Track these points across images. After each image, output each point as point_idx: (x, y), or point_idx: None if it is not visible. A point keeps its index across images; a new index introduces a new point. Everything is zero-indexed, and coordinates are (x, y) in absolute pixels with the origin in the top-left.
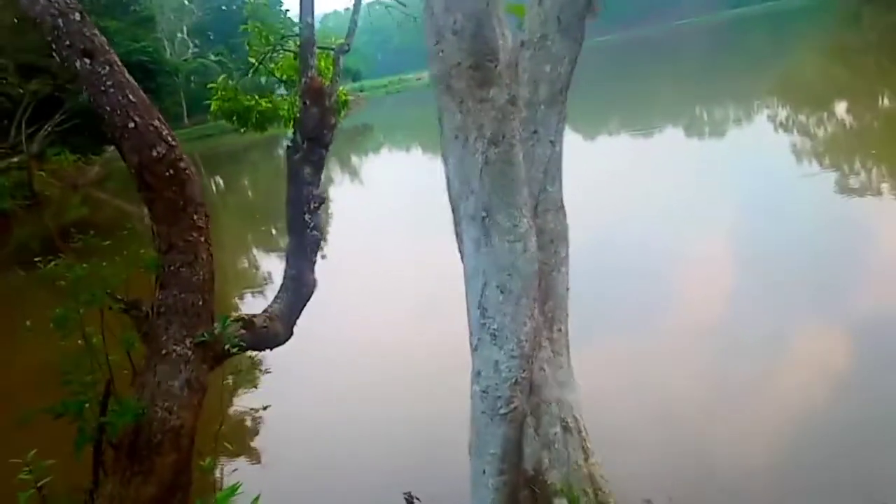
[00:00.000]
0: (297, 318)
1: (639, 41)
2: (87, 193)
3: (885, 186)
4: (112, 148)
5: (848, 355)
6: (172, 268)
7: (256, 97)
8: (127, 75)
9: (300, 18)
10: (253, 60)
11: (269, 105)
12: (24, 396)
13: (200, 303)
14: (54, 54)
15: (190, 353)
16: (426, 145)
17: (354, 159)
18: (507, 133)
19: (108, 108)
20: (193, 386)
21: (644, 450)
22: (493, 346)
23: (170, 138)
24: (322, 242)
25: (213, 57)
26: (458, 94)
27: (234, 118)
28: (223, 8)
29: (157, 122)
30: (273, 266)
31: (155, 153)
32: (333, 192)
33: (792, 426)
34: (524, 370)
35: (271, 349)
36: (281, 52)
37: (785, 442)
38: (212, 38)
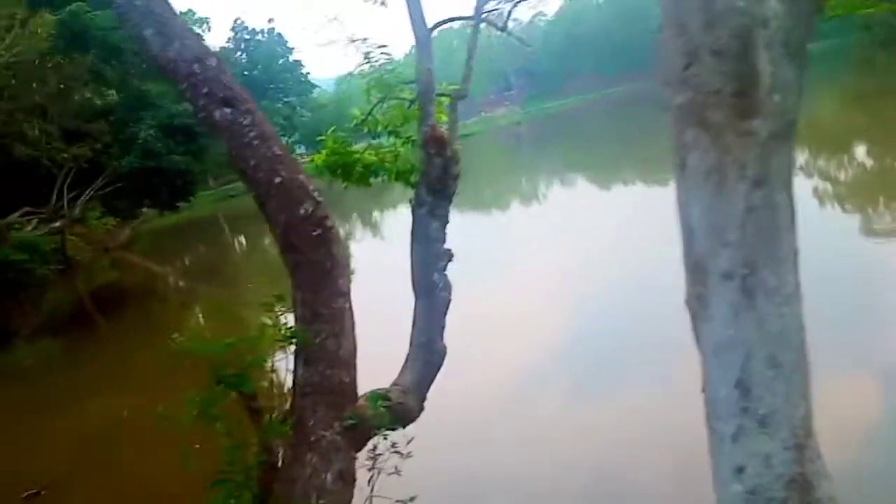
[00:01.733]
0: (428, 389)
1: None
2: (117, 256)
3: None
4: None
5: None
6: (318, 340)
7: (361, 150)
8: (268, 126)
9: (417, 64)
10: (357, 112)
11: (375, 157)
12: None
13: (347, 379)
14: (189, 103)
15: (339, 438)
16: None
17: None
18: (773, 172)
19: (253, 163)
20: (345, 477)
21: None
22: (762, 435)
23: (316, 194)
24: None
25: None
26: (715, 127)
27: (339, 171)
28: (245, 73)
29: (302, 177)
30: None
31: (302, 211)
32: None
33: None
34: (800, 463)
35: (404, 427)
36: (386, 104)
37: None
38: None
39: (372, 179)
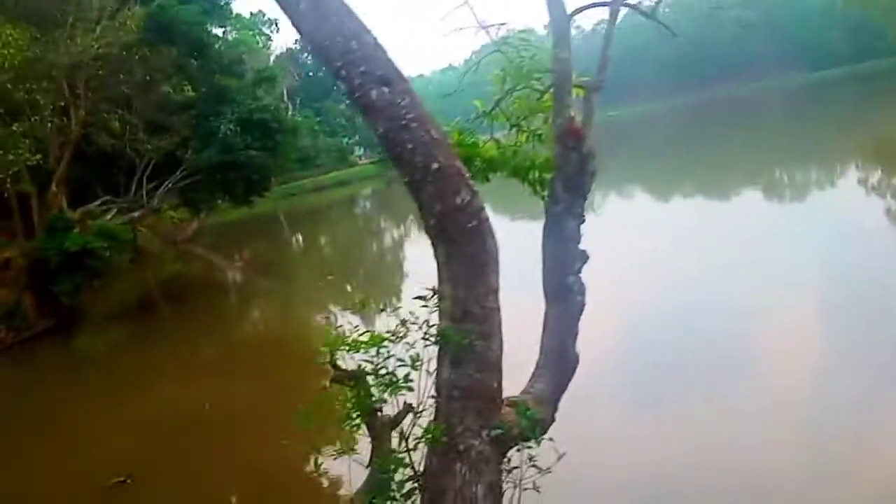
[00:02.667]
0: (560, 399)
1: (720, 102)
2: (184, 249)
3: None
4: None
5: None
6: (467, 341)
7: (482, 141)
8: (424, 108)
9: (553, 52)
10: (479, 104)
11: (498, 151)
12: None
13: (495, 385)
14: (340, 82)
15: (488, 448)
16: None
17: None
18: None
19: (410, 146)
20: (494, 490)
21: None
22: None
23: (472, 183)
24: None
25: (299, 118)
26: None
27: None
28: (310, 74)
29: (459, 164)
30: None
31: (459, 200)
32: None
33: None
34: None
35: (536, 438)
36: (512, 94)
37: None
38: (299, 102)
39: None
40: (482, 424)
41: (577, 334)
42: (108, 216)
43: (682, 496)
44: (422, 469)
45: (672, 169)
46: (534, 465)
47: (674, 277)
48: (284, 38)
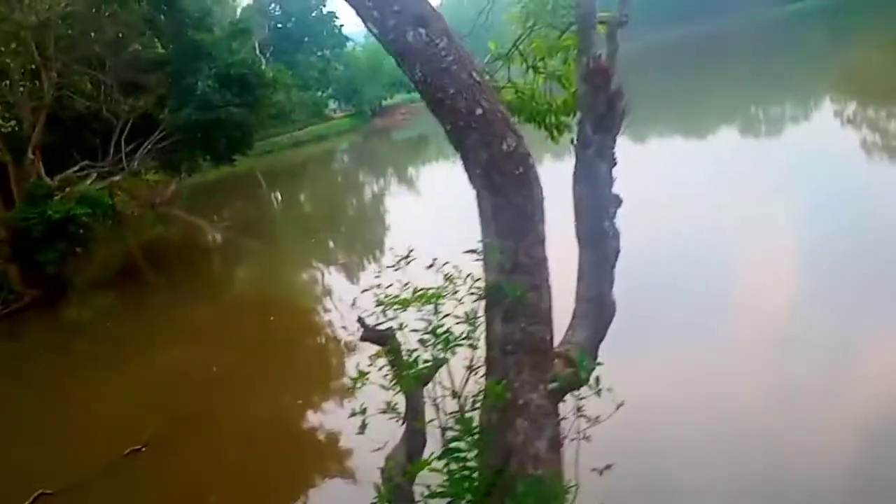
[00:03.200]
0: (598, 347)
1: (697, 38)
2: (162, 212)
3: None
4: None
5: None
6: (518, 293)
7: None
8: (464, 49)
9: None
10: (493, 45)
11: (515, 95)
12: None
13: (547, 337)
14: (370, 26)
15: (546, 402)
16: None
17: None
18: None
19: (452, 91)
20: (556, 445)
21: None
22: None
23: (517, 128)
24: None
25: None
26: None
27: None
28: (279, 26)
29: (503, 108)
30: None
31: (505, 146)
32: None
33: None
34: None
35: (578, 389)
36: (529, 34)
37: None
38: (269, 55)
39: None
40: (538, 378)
41: (613, 281)
42: (88, 182)
43: None
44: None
45: (649, 111)
46: (582, 415)
47: (656, 214)
48: None
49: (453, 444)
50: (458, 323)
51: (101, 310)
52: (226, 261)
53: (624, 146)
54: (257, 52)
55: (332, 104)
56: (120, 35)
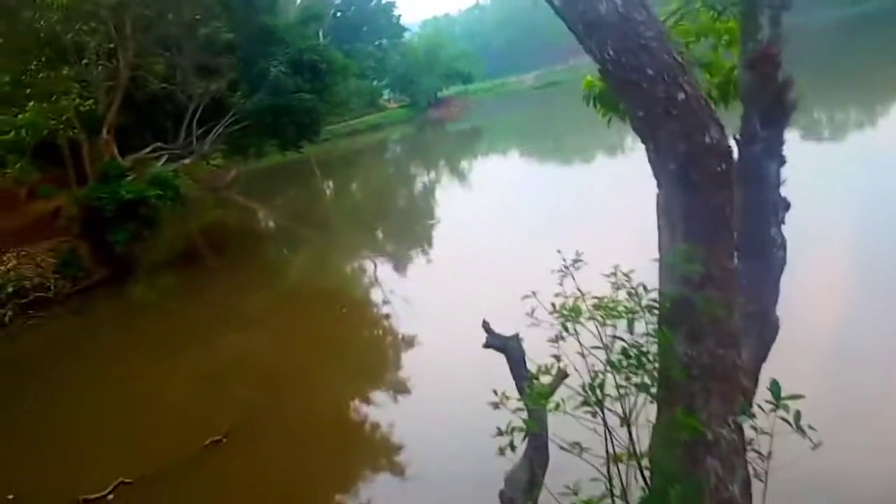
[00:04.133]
0: (760, 369)
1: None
2: (222, 196)
3: None
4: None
5: None
6: (714, 310)
7: None
8: (662, 25)
9: None
10: None
11: None
12: None
13: (738, 362)
14: None
15: (736, 438)
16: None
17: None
18: None
19: (650, 72)
20: (747, 488)
21: None
22: None
23: (718, 118)
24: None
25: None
26: None
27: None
28: (338, 14)
29: (703, 94)
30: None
31: (708, 139)
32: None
33: None
34: None
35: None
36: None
37: None
38: (329, 43)
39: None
40: (727, 409)
41: (778, 295)
42: (159, 163)
43: None
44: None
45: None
46: (754, 450)
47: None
48: None
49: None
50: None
51: (167, 291)
52: (287, 248)
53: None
54: (321, 38)
55: (387, 94)
56: (197, 17)
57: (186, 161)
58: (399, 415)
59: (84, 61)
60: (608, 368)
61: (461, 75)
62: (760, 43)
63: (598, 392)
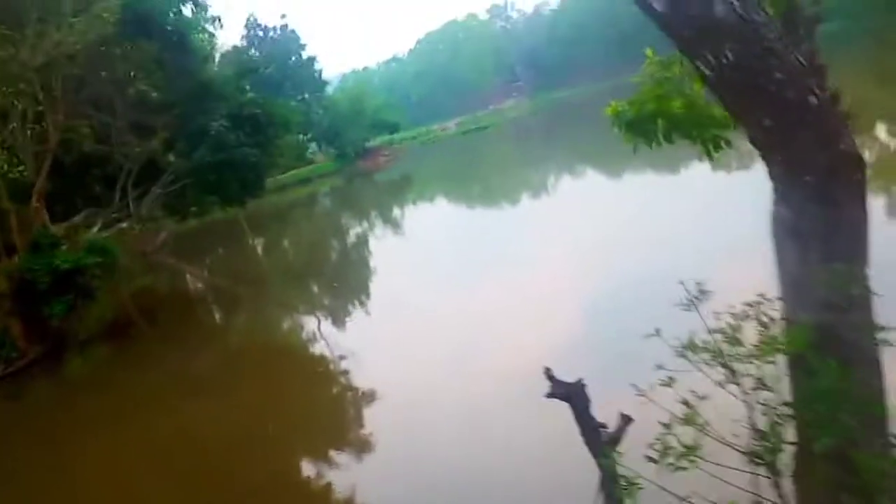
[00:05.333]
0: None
1: None
2: (154, 260)
3: None
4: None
5: None
6: (872, 339)
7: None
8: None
9: None
10: (649, 53)
11: (685, 106)
12: None
13: (880, 390)
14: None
15: None
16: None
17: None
18: None
19: (779, 76)
20: None
21: None
22: None
23: (848, 123)
24: None
25: None
26: None
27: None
28: (259, 70)
29: (833, 99)
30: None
31: (843, 146)
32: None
33: None
34: None
35: None
36: None
37: None
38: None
39: None
40: (880, 441)
41: None
42: (94, 229)
43: None
44: None
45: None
46: None
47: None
48: (229, 35)
49: None
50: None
51: (105, 365)
52: (222, 309)
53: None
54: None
55: (314, 147)
56: (132, 74)
57: (124, 225)
58: (362, 477)
59: (11, 126)
60: (777, 414)
61: (387, 125)
62: (808, 52)
63: (772, 439)
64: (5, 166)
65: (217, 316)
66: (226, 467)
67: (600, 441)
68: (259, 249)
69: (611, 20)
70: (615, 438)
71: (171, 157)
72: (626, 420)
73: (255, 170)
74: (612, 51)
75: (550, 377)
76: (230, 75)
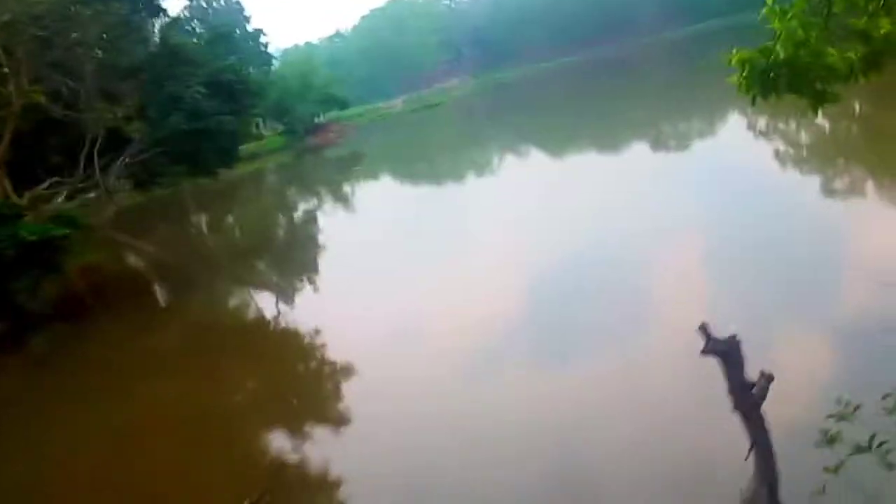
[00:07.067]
0: None
1: (606, 60)
2: (104, 235)
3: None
4: None
5: None
6: None
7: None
8: None
9: None
10: None
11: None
12: None
13: None
14: None
15: None
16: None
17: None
18: None
19: None
20: None
21: None
22: None
23: None
24: None
25: None
26: None
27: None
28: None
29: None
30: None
31: None
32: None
33: None
34: None
35: None
36: None
37: None
38: None
39: None
40: None
41: None
42: (58, 199)
43: None
44: None
45: (565, 125)
46: None
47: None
48: (172, 4)
49: None
50: None
51: (67, 342)
52: (177, 285)
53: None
54: None
55: (261, 122)
56: (104, 36)
57: (91, 195)
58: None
59: None
60: None
61: (337, 101)
62: None
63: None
64: None
65: (170, 294)
66: (192, 445)
67: (751, 400)
68: (204, 227)
69: (555, 2)
70: (760, 398)
71: (138, 125)
72: (768, 378)
73: (230, 139)
74: (555, 32)
75: (706, 333)
76: (203, 41)
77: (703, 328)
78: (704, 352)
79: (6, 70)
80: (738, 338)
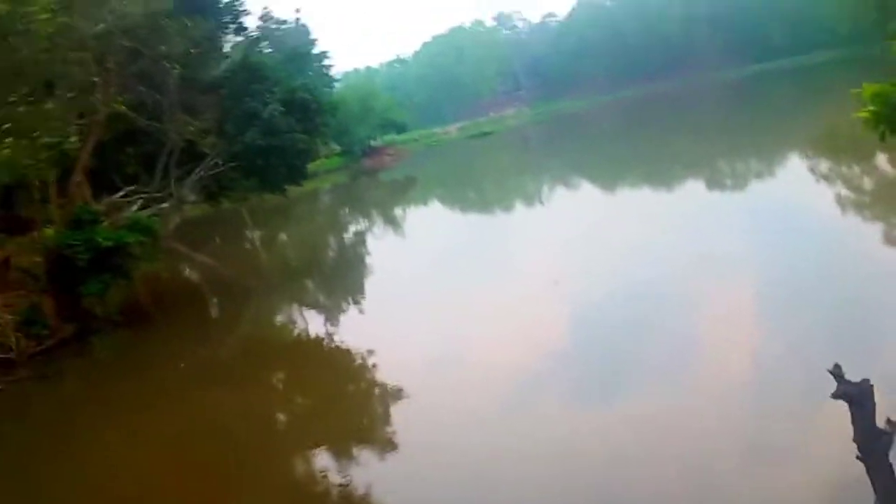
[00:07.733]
0: None
1: (665, 95)
2: (167, 246)
3: None
4: None
5: None
6: None
7: None
8: None
9: None
10: None
11: None
12: None
13: None
14: None
15: None
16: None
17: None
18: None
19: None
20: None
21: None
22: None
23: None
24: None
25: None
26: None
27: None
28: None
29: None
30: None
31: None
32: None
33: None
34: None
35: None
36: None
37: None
38: None
39: None
40: None
41: None
42: (133, 208)
43: None
44: None
45: (620, 158)
46: None
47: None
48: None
49: None
50: None
51: (130, 348)
52: (237, 299)
53: None
54: None
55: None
56: (191, 51)
57: (165, 205)
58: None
59: (70, 94)
60: None
61: (395, 125)
62: None
63: None
64: (60, 137)
65: (225, 307)
66: (246, 457)
67: (882, 448)
68: (258, 242)
69: (616, 35)
70: (888, 446)
71: (213, 139)
72: (894, 426)
73: (301, 157)
74: (615, 65)
75: (838, 376)
76: (280, 60)
77: (837, 370)
78: (835, 395)
79: (96, 80)
80: (870, 382)
